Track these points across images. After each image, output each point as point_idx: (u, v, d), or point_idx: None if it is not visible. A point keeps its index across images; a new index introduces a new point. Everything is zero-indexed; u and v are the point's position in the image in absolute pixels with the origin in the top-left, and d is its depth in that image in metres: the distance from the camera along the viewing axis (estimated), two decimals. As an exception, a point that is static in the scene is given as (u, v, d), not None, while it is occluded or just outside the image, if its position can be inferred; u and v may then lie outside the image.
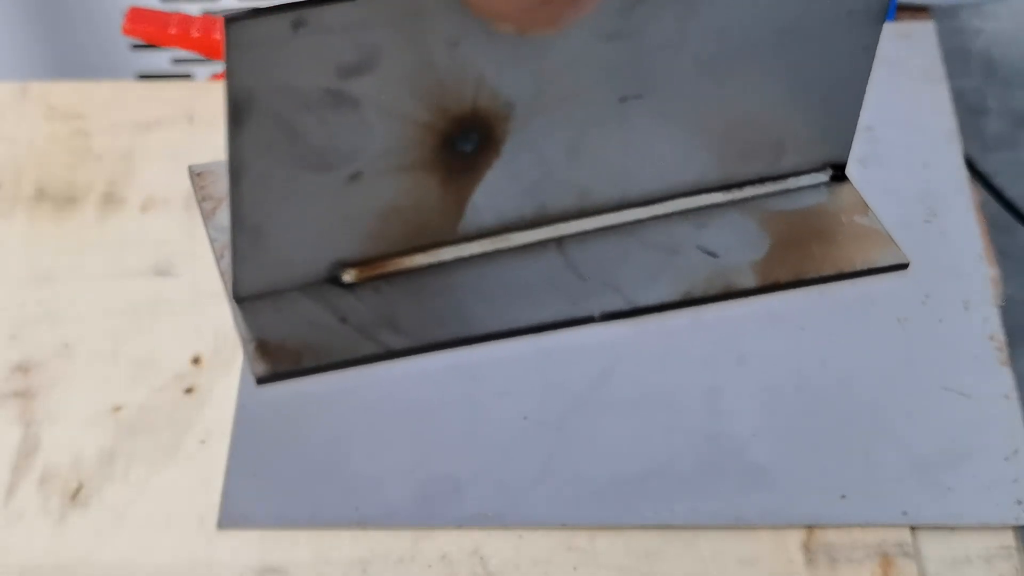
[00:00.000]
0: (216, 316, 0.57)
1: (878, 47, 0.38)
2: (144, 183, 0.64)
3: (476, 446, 0.54)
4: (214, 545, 0.52)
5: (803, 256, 0.38)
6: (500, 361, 0.55)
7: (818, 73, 0.38)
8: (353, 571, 0.51)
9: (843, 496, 0.52)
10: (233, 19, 0.30)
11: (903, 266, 0.38)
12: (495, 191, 0.36)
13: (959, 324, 0.57)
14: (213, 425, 0.55)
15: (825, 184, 0.40)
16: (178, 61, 0.74)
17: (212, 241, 0.37)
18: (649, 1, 0.34)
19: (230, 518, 0.52)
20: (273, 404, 0.55)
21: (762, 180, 0.40)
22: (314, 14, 0.31)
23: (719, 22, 0.35)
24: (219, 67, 0.72)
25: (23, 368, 0.57)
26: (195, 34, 0.63)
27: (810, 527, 0.51)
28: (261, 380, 0.34)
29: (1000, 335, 0.57)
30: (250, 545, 0.52)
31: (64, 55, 0.74)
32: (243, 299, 0.36)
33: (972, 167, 0.65)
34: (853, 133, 0.39)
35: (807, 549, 0.51)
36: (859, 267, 0.38)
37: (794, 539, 0.51)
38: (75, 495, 0.53)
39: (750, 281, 0.38)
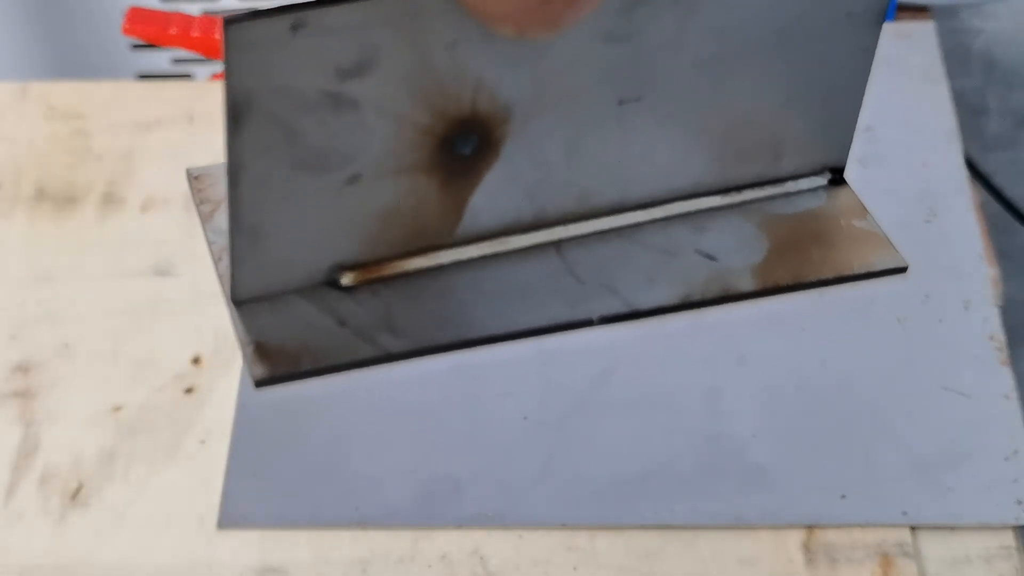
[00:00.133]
0: (216, 316, 0.57)
1: (878, 47, 0.38)
2: (144, 183, 0.64)
3: (476, 446, 0.54)
4: (214, 545, 0.52)
5: (802, 260, 0.38)
6: (500, 362, 0.55)
7: (817, 75, 0.38)
8: (353, 571, 0.51)
9: (843, 496, 0.52)
10: (232, 21, 0.30)
11: (901, 270, 0.38)
12: (494, 194, 0.36)
13: (959, 324, 0.57)
14: (213, 425, 0.55)
15: (824, 187, 0.40)
16: (178, 61, 0.74)
17: (210, 244, 0.37)
18: (649, 2, 0.34)
19: (230, 518, 0.52)
20: (273, 404, 0.55)
21: (761, 183, 0.39)
22: (313, 16, 0.31)
23: (718, 24, 0.35)
24: (219, 67, 0.72)
25: (23, 368, 0.57)
26: (195, 34, 0.63)
27: (810, 527, 0.52)
28: (259, 383, 0.34)
29: (1000, 335, 0.57)
30: (250, 545, 0.52)
31: (64, 55, 0.74)
32: (241, 302, 0.36)
33: (972, 167, 0.65)
34: (852, 136, 0.39)
35: (807, 549, 0.51)
36: (858, 271, 0.38)
37: (794, 539, 0.51)
38: (75, 495, 0.53)
39: (748, 284, 0.38)
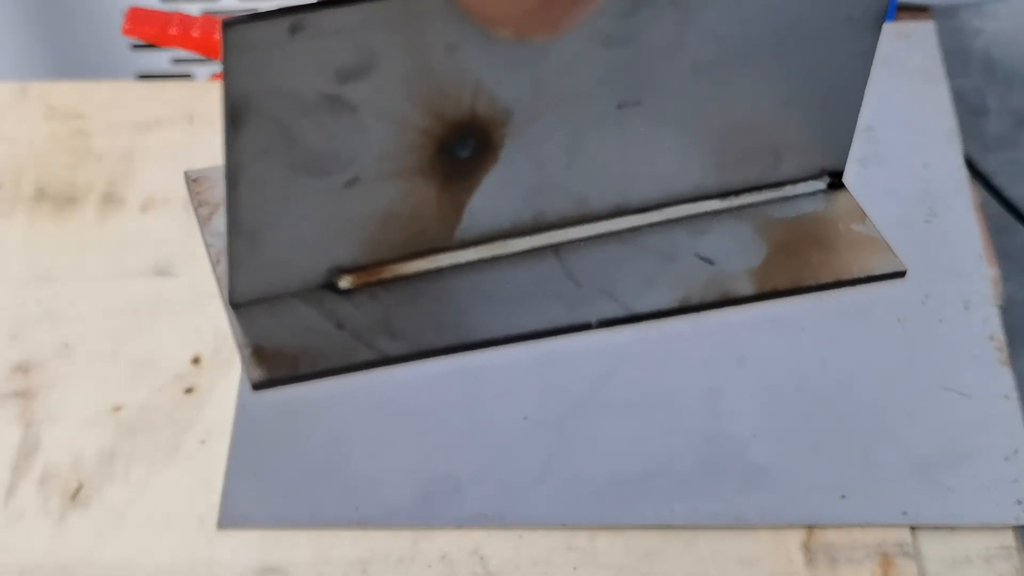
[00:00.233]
0: (216, 316, 0.57)
1: (878, 47, 0.38)
2: (144, 183, 0.64)
3: (476, 446, 0.54)
4: (214, 545, 0.52)
5: (800, 264, 0.38)
6: (500, 363, 0.55)
7: (816, 80, 0.37)
8: (353, 571, 0.51)
9: (843, 496, 0.52)
10: (231, 23, 0.30)
11: (900, 274, 0.38)
12: (492, 197, 0.36)
13: (959, 324, 0.57)
14: (213, 425, 0.55)
15: (822, 192, 0.40)
16: (178, 61, 0.74)
17: (208, 247, 0.37)
18: (648, 6, 0.34)
19: (230, 518, 0.52)
20: (273, 404, 0.55)
21: (759, 187, 0.39)
22: (312, 18, 0.31)
23: (718, 28, 0.35)
24: (219, 67, 0.72)
25: (23, 368, 0.57)
26: (195, 34, 0.63)
27: (810, 527, 0.52)
28: (257, 386, 0.34)
29: (1000, 335, 0.57)
30: (250, 545, 0.52)
31: (64, 55, 0.74)
32: (239, 305, 0.36)
33: (972, 167, 0.65)
34: (851, 140, 0.39)
35: (807, 549, 0.51)
36: (856, 275, 0.38)
37: (794, 539, 0.51)
38: (75, 495, 0.53)
39: (747, 288, 0.37)
